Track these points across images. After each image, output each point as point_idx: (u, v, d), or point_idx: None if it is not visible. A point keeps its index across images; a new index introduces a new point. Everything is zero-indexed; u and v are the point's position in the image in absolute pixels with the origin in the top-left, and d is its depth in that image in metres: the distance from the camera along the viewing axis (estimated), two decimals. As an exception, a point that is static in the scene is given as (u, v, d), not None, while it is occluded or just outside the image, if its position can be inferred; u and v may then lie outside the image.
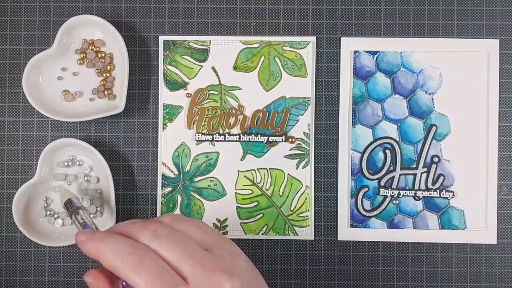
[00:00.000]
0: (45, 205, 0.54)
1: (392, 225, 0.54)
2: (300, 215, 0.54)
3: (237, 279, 0.35)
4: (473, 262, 0.54)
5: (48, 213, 0.54)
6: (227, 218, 0.54)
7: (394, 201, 0.54)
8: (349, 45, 0.55)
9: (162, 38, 0.55)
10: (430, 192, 0.54)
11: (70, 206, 0.47)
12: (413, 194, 0.54)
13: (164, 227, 0.37)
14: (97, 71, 0.54)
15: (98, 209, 0.54)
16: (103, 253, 0.35)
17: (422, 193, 0.54)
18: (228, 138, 0.54)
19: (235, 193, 0.54)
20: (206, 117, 0.54)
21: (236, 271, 0.35)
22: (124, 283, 0.35)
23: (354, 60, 0.55)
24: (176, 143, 0.55)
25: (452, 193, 0.54)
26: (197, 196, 0.54)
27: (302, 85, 0.54)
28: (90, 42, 0.54)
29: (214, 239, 0.38)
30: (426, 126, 0.54)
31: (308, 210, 0.54)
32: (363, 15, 0.55)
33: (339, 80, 0.55)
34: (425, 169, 0.54)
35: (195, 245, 0.36)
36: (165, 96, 0.55)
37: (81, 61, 0.54)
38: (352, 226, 0.54)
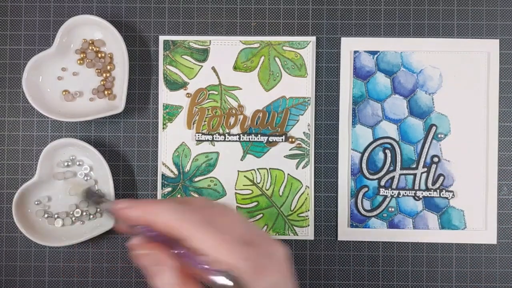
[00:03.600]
0: (45, 205, 0.54)
1: (392, 225, 0.54)
2: (300, 215, 0.54)
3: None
4: (473, 262, 0.54)
5: (48, 213, 0.54)
6: (227, 218, 0.54)
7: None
8: (349, 45, 0.55)
9: (162, 38, 0.55)
10: (430, 192, 0.54)
11: (91, 195, 0.45)
12: (413, 194, 0.54)
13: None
14: (97, 71, 0.54)
15: (98, 209, 0.54)
16: (159, 214, 0.32)
17: (422, 193, 0.54)
18: (228, 138, 0.54)
19: (235, 193, 0.54)
20: (206, 117, 0.54)
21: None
22: (182, 251, 0.32)
23: (354, 60, 0.55)
24: (176, 143, 0.55)
25: (452, 193, 0.54)
26: (197, 196, 0.54)
27: (302, 85, 0.54)
28: (90, 42, 0.54)
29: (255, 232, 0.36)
30: (426, 126, 0.54)
31: (308, 210, 0.54)
32: (363, 15, 0.55)
33: (339, 80, 0.55)
34: (425, 169, 0.54)
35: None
36: (165, 96, 0.55)
37: (81, 61, 0.54)
38: (352, 226, 0.54)
